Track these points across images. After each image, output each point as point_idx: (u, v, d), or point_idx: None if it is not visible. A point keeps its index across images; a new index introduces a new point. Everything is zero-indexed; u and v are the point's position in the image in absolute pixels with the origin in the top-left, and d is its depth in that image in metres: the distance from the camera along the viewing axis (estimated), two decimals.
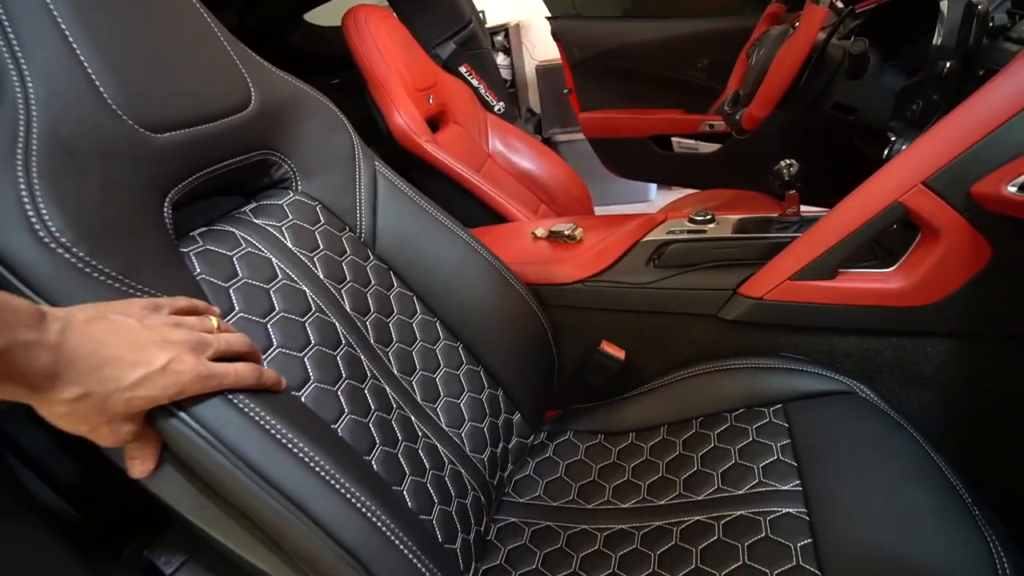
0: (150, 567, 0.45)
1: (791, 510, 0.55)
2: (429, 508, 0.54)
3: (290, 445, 0.38)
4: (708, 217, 0.86)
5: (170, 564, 0.46)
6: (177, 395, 0.34)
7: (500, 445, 0.70)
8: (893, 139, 0.81)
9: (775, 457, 0.62)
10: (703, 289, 0.73)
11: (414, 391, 0.62)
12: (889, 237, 0.69)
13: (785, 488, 0.57)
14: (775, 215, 0.85)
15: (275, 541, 0.39)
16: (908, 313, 0.64)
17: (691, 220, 0.86)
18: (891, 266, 0.65)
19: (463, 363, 0.69)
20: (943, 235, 0.59)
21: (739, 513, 0.57)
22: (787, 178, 0.78)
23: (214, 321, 0.39)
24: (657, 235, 0.85)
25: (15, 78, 0.37)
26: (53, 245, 0.35)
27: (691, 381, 0.76)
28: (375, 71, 1.06)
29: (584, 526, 0.64)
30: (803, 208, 0.84)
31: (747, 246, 0.75)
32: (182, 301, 0.38)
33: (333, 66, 1.50)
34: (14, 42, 0.37)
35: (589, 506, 0.67)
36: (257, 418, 0.38)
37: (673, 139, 1.65)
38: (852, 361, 0.70)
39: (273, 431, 0.38)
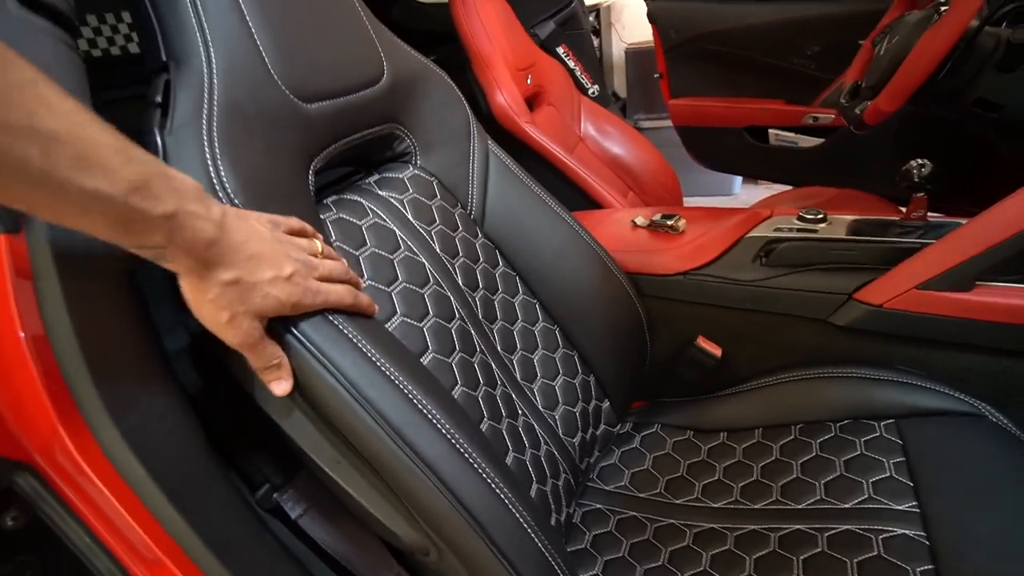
0: (279, 510, 0.49)
1: (908, 532, 0.52)
2: (528, 485, 0.55)
3: (422, 407, 0.40)
4: (820, 216, 0.81)
5: (296, 510, 0.49)
6: (295, 305, 0.36)
7: (589, 431, 0.70)
8: None
9: (887, 474, 0.58)
10: (815, 292, 0.70)
11: (514, 369, 0.63)
12: None
13: (900, 508, 0.54)
14: (896, 218, 0.80)
15: (399, 496, 0.41)
16: None
17: (800, 218, 0.82)
18: None
19: (559, 346, 0.69)
20: None
21: (845, 528, 0.55)
22: (917, 179, 0.72)
23: (319, 245, 0.41)
24: (763, 231, 0.81)
25: (201, 49, 0.40)
26: (223, 196, 0.38)
27: (791, 386, 0.73)
28: (479, 48, 1.07)
29: (672, 520, 0.64)
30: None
31: (867, 250, 0.71)
32: (294, 222, 0.41)
33: (430, 42, 1.52)
34: (202, 16, 0.40)
35: (677, 501, 0.66)
36: (395, 379, 0.40)
37: (770, 131, 1.56)
38: (981, 381, 0.65)
39: (408, 391, 0.40)
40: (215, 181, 0.38)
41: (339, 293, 0.40)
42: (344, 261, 0.43)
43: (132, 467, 0.36)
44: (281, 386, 0.38)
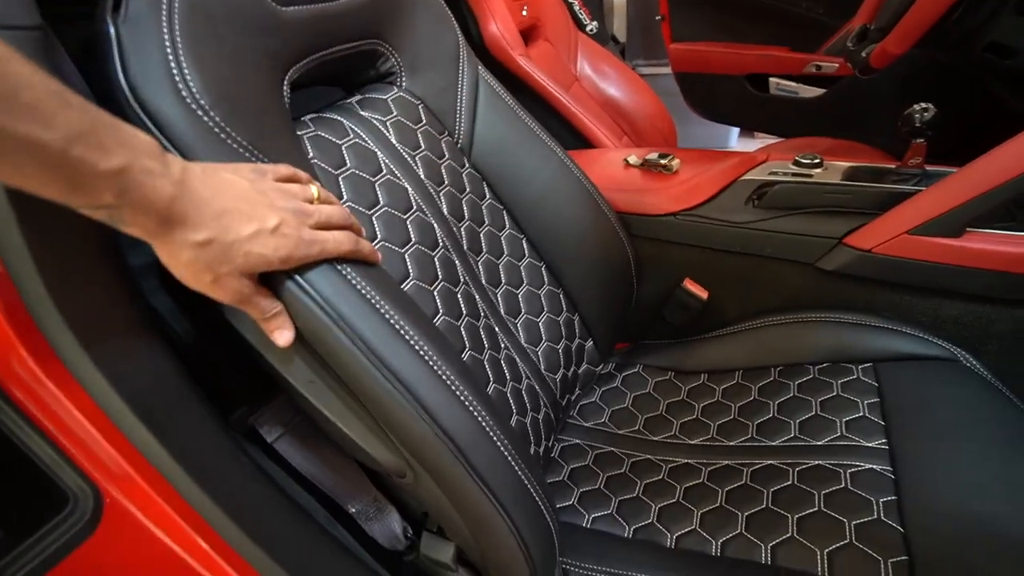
0: (254, 434, 0.49)
1: (875, 467, 0.53)
2: (508, 416, 0.56)
3: (401, 330, 0.39)
4: (816, 161, 0.79)
5: (271, 433, 0.49)
6: (285, 259, 0.34)
7: (572, 368, 0.70)
8: None
9: (861, 414, 0.59)
10: (805, 235, 0.69)
11: (498, 303, 0.62)
12: None
13: (870, 445, 0.56)
14: (893, 166, 0.78)
15: (376, 419, 0.40)
16: None
17: (796, 163, 0.80)
18: None
19: (544, 283, 0.68)
20: None
21: (816, 463, 0.56)
22: (918, 124, 0.70)
23: (314, 191, 0.38)
24: (758, 175, 0.79)
25: None
26: (194, 107, 0.36)
27: (774, 329, 0.73)
28: None
29: (649, 456, 0.65)
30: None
31: (861, 194, 0.70)
32: (284, 169, 0.38)
33: None
34: None
35: (655, 438, 0.68)
36: (374, 302, 0.38)
37: (771, 80, 1.52)
38: (959, 328, 0.65)
39: (387, 316, 0.39)
40: (178, 79, 0.35)
41: (337, 240, 0.37)
42: (343, 207, 0.40)
43: (99, 386, 0.35)
44: (284, 336, 0.36)
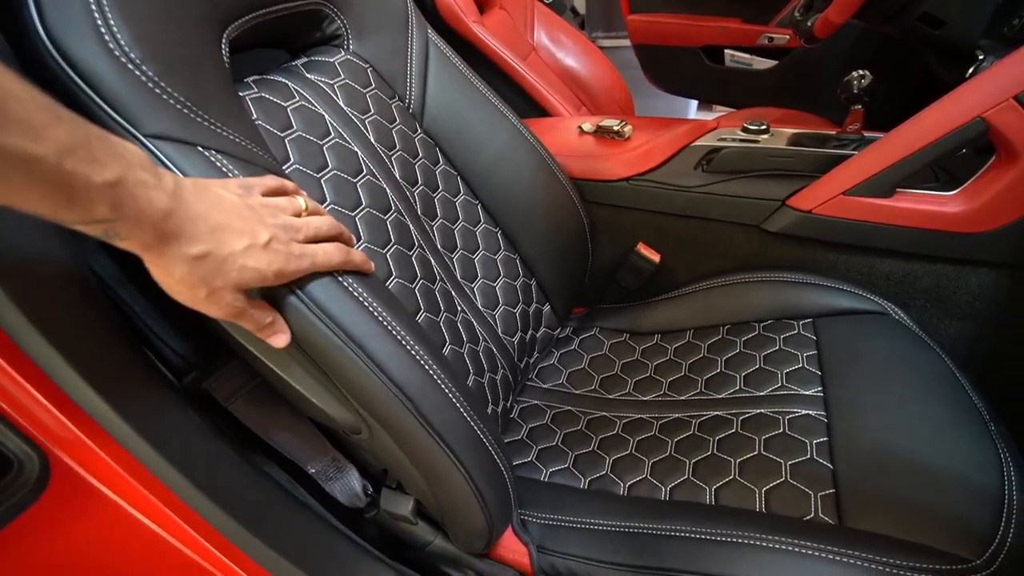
0: (207, 397, 0.49)
1: (811, 412, 0.57)
2: (465, 376, 0.57)
3: (348, 287, 0.39)
4: (763, 127, 0.82)
5: (226, 397, 0.49)
6: (278, 273, 0.34)
7: (529, 332, 0.72)
8: (981, 57, 0.75)
9: (800, 365, 0.63)
10: (750, 198, 0.72)
11: (454, 267, 0.63)
12: (954, 160, 0.67)
13: (807, 393, 0.59)
14: (833, 132, 0.81)
15: (329, 376, 0.41)
16: (960, 240, 0.63)
17: (744, 129, 0.82)
18: (953, 190, 0.63)
19: (500, 248, 0.69)
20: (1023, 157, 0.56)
21: (758, 411, 0.60)
22: (856, 91, 0.73)
23: (302, 202, 0.38)
24: (707, 141, 0.81)
25: None
26: (124, 60, 0.34)
27: (723, 290, 0.76)
28: None
29: (604, 413, 0.68)
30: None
31: (802, 157, 0.73)
32: (271, 181, 0.38)
33: None
34: None
35: (610, 396, 0.70)
36: None
37: (726, 52, 1.55)
38: (889, 284, 0.70)
39: (335, 274, 0.39)
40: (103, 31, 0.34)
41: (327, 253, 0.37)
42: (331, 217, 0.40)
43: (42, 350, 0.34)
44: (280, 339, 0.36)
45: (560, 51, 1.28)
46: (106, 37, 0.34)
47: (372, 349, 0.39)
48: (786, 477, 0.52)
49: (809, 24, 0.90)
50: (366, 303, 0.40)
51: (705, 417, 0.62)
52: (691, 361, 0.70)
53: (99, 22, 0.34)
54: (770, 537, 0.46)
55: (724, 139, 0.81)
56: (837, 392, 0.58)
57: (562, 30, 1.31)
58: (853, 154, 0.71)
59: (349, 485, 0.53)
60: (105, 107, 0.34)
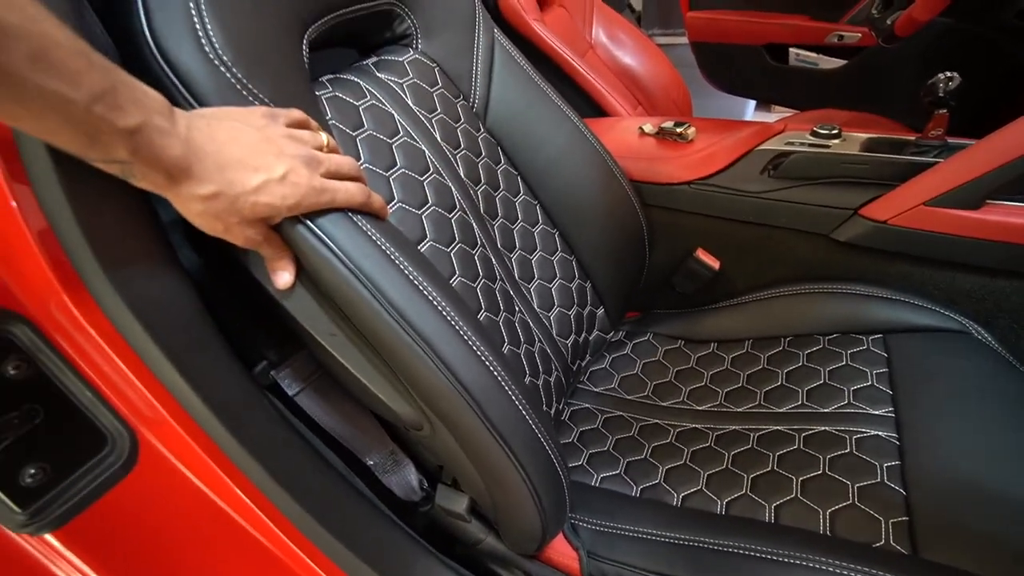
0: (276, 387, 0.50)
1: (880, 433, 0.54)
2: (522, 377, 0.57)
3: (420, 286, 0.40)
4: (834, 131, 0.78)
5: (293, 387, 0.50)
6: (294, 207, 0.34)
7: (583, 335, 0.71)
8: None
9: (869, 383, 0.60)
10: (820, 206, 0.69)
11: (513, 267, 0.63)
12: None
13: (876, 413, 0.57)
14: (912, 137, 0.77)
15: (396, 372, 0.41)
16: None
17: (814, 133, 0.79)
18: None
19: (558, 250, 0.69)
20: None
21: (822, 429, 0.57)
22: (942, 94, 0.69)
23: (324, 138, 0.38)
24: (775, 145, 0.78)
25: None
26: (216, 62, 0.36)
27: (785, 300, 0.73)
28: None
29: (657, 421, 0.67)
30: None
31: (879, 164, 0.69)
32: (296, 113, 0.38)
33: None
34: None
35: (663, 404, 0.69)
36: (392, 256, 0.39)
37: (791, 50, 1.48)
38: (971, 301, 0.65)
39: (405, 270, 0.40)
40: (200, 33, 0.35)
41: (349, 191, 0.37)
42: (351, 158, 0.40)
43: (135, 332, 0.36)
44: (282, 278, 0.38)
45: (618, 49, 1.26)
46: (202, 40, 0.36)
47: (440, 348, 0.39)
48: (853, 500, 0.49)
49: (889, 22, 0.86)
50: (436, 303, 0.40)
51: (764, 431, 0.60)
52: (749, 372, 0.68)
53: (197, 25, 0.35)
54: (836, 562, 0.44)
55: (792, 143, 0.78)
56: (910, 413, 0.55)
57: (620, 27, 1.29)
58: (934, 161, 0.67)
59: (406, 479, 0.54)
60: (196, 106, 0.35)
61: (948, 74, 0.69)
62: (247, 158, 0.33)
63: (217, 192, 0.32)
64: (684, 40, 1.58)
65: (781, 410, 0.62)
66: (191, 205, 0.32)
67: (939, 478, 0.49)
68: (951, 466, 0.49)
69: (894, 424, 0.55)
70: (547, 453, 0.46)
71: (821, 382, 0.63)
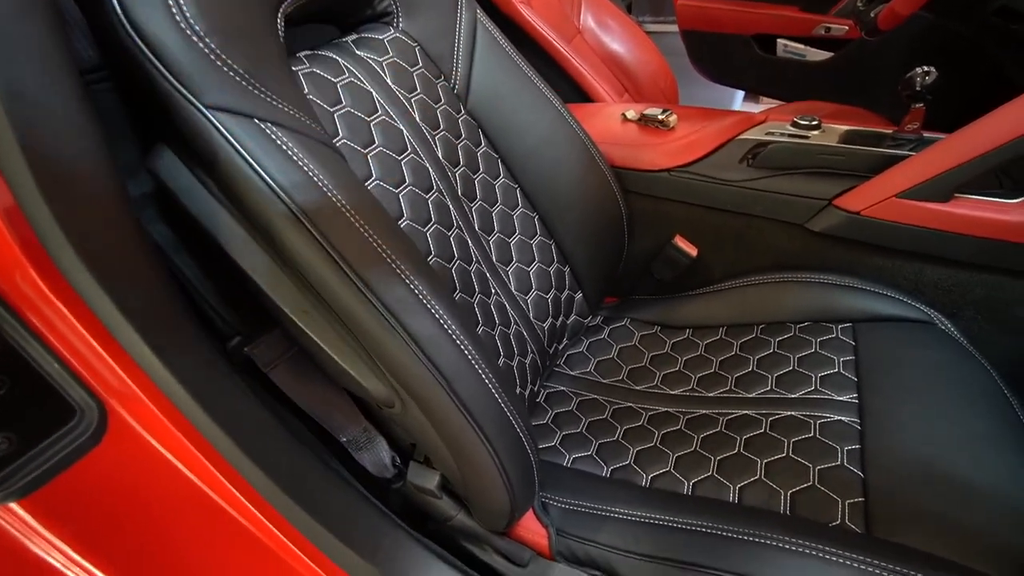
0: (249, 363, 0.51)
1: (843, 418, 0.56)
2: (496, 358, 0.58)
3: (392, 263, 0.40)
4: (814, 123, 0.79)
5: (266, 363, 0.51)
6: None
7: (560, 318, 0.72)
8: None
9: (835, 370, 0.62)
10: (796, 195, 0.70)
11: (490, 250, 0.63)
12: (1021, 166, 0.63)
13: (841, 399, 0.58)
14: (889, 131, 0.78)
15: (367, 349, 0.42)
16: (1021, 250, 0.60)
17: (794, 124, 0.80)
18: (1018, 197, 0.60)
19: (537, 233, 0.69)
20: None
21: (789, 413, 0.59)
22: (919, 87, 0.70)
23: None
24: (755, 134, 0.79)
25: None
26: (189, 32, 0.36)
27: (759, 288, 0.75)
28: None
29: (630, 404, 0.68)
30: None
31: (854, 156, 0.70)
32: None
33: None
34: None
35: (637, 387, 0.70)
36: (366, 234, 0.40)
37: (779, 41, 1.49)
38: (938, 293, 0.67)
39: (379, 247, 0.40)
40: (171, 4, 0.35)
41: None
42: None
43: (102, 304, 0.36)
44: None
45: (606, 35, 1.26)
46: (174, 10, 0.35)
47: (411, 326, 0.39)
48: (814, 481, 0.51)
49: (872, 15, 0.86)
50: (408, 281, 0.40)
51: (733, 415, 0.61)
52: (722, 358, 0.70)
53: None
54: (793, 540, 0.46)
55: (772, 133, 0.79)
56: (873, 400, 0.57)
57: (610, 14, 1.29)
58: (909, 155, 0.68)
59: (378, 456, 0.54)
60: (170, 78, 0.35)
61: (925, 68, 0.70)
62: None
63: None
64: (674, 28, 1.57)
65: (751, 395, 0.63)
66: None
67: (896, 461, 0.50)
68: (909, 450, 0.51)
69: (857, 410, 0.56)
70: (516, 432, 0.46)
71: (790, 369, 0.64)
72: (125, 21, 0.34)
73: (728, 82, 1.68)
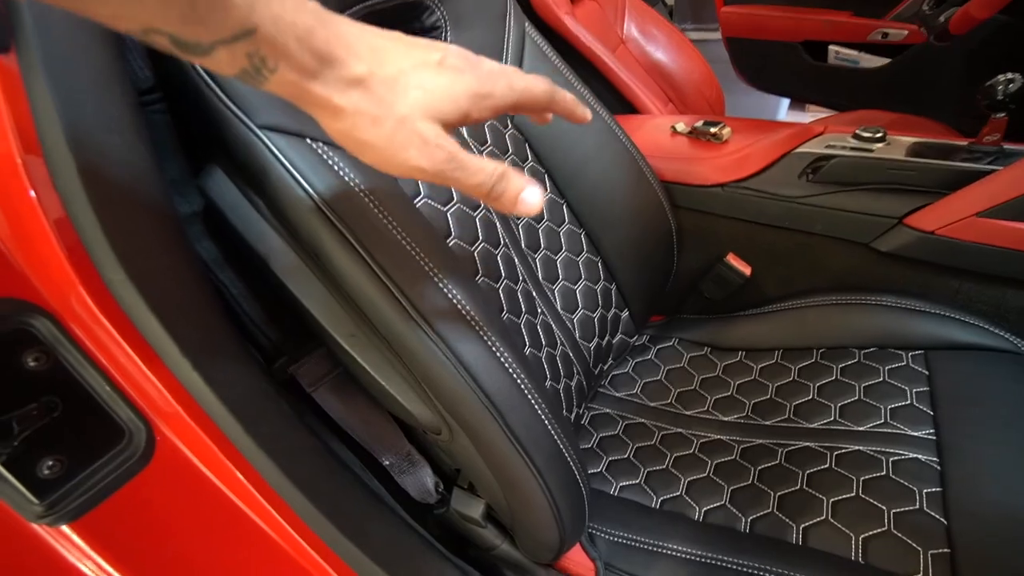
0: (293, 383, 0.50)
1: (920, 456, 0.52)
2: (542, 381, 0.55)
3: (444, 288, 0.39)
4: (879, 135, 0.74)
5: (310, 384, 0.50)
6: (473, 95, 0.26)
7: (606, 338, 0.69)
8: None
9: (908, 402, 0.57)
10: (862, 213, 0.65)
11: (537, 268, 0.61)
12: None
13: (915, 434, 0.54)
14: (964, 143, 0.73)
15: (415, 374, 0.40)
16: None
17: (856, 136, 0.75)
18: None
19: (583, 250, 0.67)
20: None
21: (856, 448, 0.55)
22: (1001, 96, 0.65)
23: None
24: (814, 147, 0.75)
25: None
26: None
27: (818, 310, 0.70)
28: None
29: (680, 430, 0.65)
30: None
31: (927, 171, 0.65)
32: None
33: None
34: None
35: (687, 412, 0.67)
36: (417, 256, 0.38)
37: (831, 48, 1.43)
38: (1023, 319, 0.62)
39: (430, 271, 0.38)
40: None
41: (527, 81, 0.28)
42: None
43: (150, 325, 0.36)
44: (534, 196, 0.28)
45: (650, 44, 1.23)
46: None
47: (462, 352, 0.38)
48: (889, 526, 0.47)
49: (943, 19, 0.82)
50: (459, 304, 0.39)
51: (794, 447, 0.57)
52: (779, 384, 0.66)
53: None
54: None
55: (833, 146, 0.75)
56: (953, 437, 0.52)
57: (653, 22, 1.26)
58: (988, 168, 0.63)
59: (421, 481, 0.53)
60: (224, 98, 0.34)
61: (1009, 76, 0.65)
62: (395, 44, 0.26)
63: (368, 72, 0.24)
64: (717, 35, 1.53)
65: (812, 425, 0.59)
66: (344, 103, 0.24)
67: (984, 510, 0.46)
68: (998, 498, 0.46)
69: (935, 447, 0.52)
70: (568, 465, 0.44)
71: (856, 398, 0.60)
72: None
73: (774, 90, 1.62)
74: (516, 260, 0.57)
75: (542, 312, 0.59)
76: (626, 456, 0.62)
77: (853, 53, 1.39)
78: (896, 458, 0.52)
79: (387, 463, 0.52)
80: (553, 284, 0.63)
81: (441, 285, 0.38)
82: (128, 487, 0.37)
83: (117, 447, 0.37)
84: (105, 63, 0.31)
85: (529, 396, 0.41)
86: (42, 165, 0.31)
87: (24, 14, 0.28)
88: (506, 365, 0.40)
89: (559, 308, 0.63)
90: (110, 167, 0.29)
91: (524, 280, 0.58)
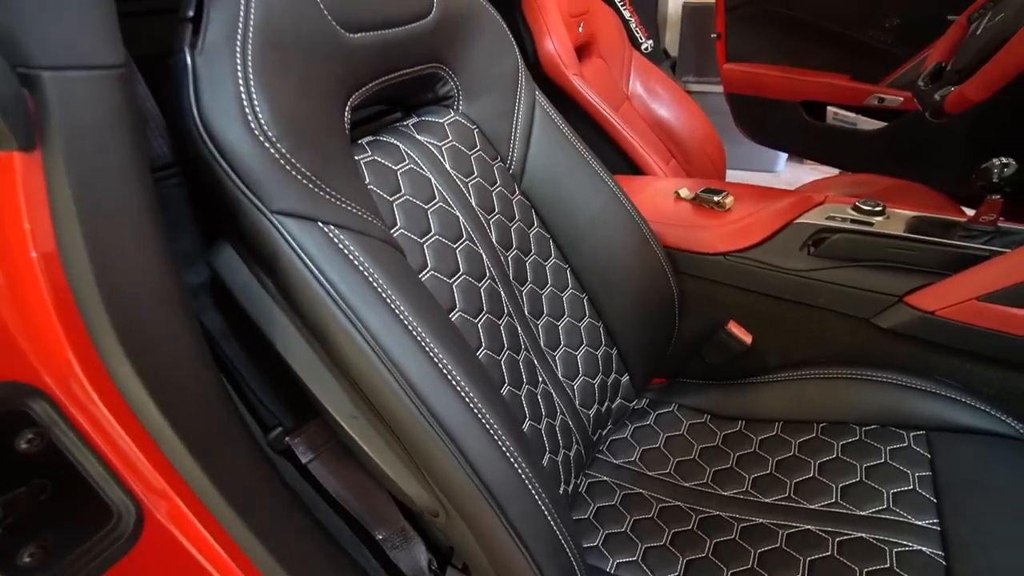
0: (289, 452, 0.49)
1: (924, 549, 0.50)
2: (541, 455, 0.55)
3: (448, 374, 0.38)
4: (878, 208, 0.76)
5: (307, 454, 0.49)
6: None
7: (606, 404, 0.69)
8: None
9: (910, 487, 0.56)
10: (863, 289, 0.66)
11: (539, 335, 0.61)
12: None
13: (919, 523, 0.53)
14: (962, 219, 0.74)
15: (415, 460, 0.40)
16: None
17: (856, 208, 0.77)
18: None
19: (586, 315, 0.67)
20: None
21: (858, 535, 0.54)
22: (996, 179, 0.66)
23: None
24: (814, 218, 0.76)
25: None
26: (262, 139, 0.35)
27: (819, 383, 0.70)
28: None
29: (678, 503, 0.63)
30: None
31: (927, 251, 0.66)
32: None
33: None
34: None
35: (686, 484, 0.66)
36: (421, 341, 0.38)
37: (829, 108, 1.47)
38: None
39: (432, 355, 0.38)
40: (247, 111, 0.35)
41: None
42: None
43: (146, 408, 0.35)
44: None
45: (654, 102, 1.26)
46: (249, 117, 0.35)
47: (463, 442, 0.37)
48: None
49: (937, 97, 0.84)
50: (462, 391, 0.38)
51: (794, 530, 0.56)
52: (779, 458, 0.65)
53: (245, 104, 0.35)
54: None
55: (834, 218, 0.76)
56: (958, 528, 0.51)
57: (657, 80, 1.29)
58: (986, 249, 0.64)
59: (414, 557, 0.51)
60: (240, 184, 0.35)
61: (1004, 160, 0.67)
62: None
63: None
64: (719, 88, 1.57)
65: (813, 506, 0.58)
66: None
67: None
68: None
69: (939, 540, 0.51)
70: (565, 553, 0.43)
71: (857, 479, 0.59)
72: (202, 128, 0.34)
73: (774, 145, 1.66)
74: (519, 328, 0.57)
75: (543, 380, 0.59)
76: (623, 529, 0.61)
77: (851, 115, 1.43)
78: (900, 549, 0.51)
79: (380, 537, 0.51)
80: (555, 350, 0.63)
81: (445, 373, 0.38)
82: (116, 569, 0.36)
83: (104, 529, 0.36)
84: (129, 152, 0.31)
85: (529, 486, 0.40)
86: (57, 260, 0.31)
87: (51, 109, 0.28)
88: (504, 450, 0.39)
89: (560, 375, 0.62)
90: (126, 267, 0.29)
91: (526, 348, 0.57)
